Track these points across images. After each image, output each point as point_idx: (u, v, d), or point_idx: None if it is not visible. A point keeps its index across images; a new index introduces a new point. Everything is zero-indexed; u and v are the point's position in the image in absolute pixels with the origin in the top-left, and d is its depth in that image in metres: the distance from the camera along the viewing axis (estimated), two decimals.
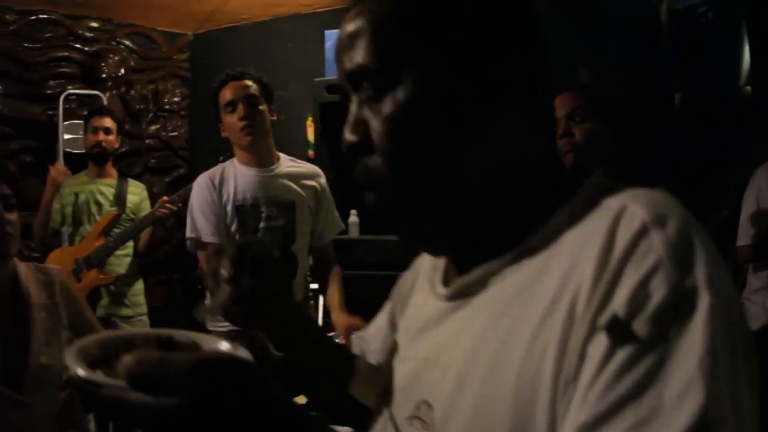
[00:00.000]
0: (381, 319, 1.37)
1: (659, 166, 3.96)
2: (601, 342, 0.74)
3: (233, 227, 3.53)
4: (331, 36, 5.12)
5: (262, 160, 3.61)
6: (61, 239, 5.12)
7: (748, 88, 4.61)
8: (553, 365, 0.78)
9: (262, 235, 3.52)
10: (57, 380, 2.35)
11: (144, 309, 5.11)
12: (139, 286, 5.11)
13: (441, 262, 1.11)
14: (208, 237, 3.48)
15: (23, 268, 2.42)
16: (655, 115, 4.55)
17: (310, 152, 5.52)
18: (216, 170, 3.64)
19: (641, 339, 0.72)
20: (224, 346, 0.92)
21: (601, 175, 0.95)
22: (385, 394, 1.13)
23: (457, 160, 0.92)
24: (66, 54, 6.14)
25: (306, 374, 1.42)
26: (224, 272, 1.07)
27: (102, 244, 4.84)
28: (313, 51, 5.46)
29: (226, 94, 3.51)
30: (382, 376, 1.25)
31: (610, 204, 0.85)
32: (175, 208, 4.74)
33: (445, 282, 1.07)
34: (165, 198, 4.80)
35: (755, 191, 3.93)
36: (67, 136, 5.72)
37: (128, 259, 5.00)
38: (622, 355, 0.72)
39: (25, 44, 5.92)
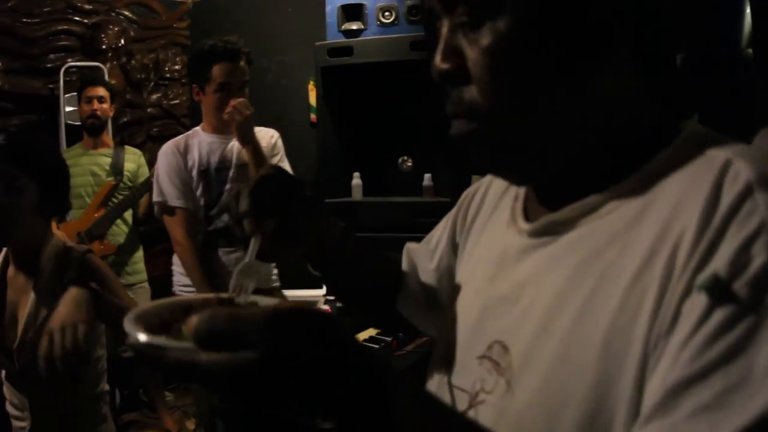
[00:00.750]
0: (439, 237, 1.33)
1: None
2: (699, 301, 0.72)
3: (199, 192, 3.65)
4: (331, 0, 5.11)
5: (226, 129, 3.70)
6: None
7: (750, 50, 4.60)
8: (649, 317, 0.76)
9: (226, 197, 3.63)
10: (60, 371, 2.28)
11: (144, 276, 5.15)
12: (139, 254, 5.16)
13: (521, 193, 1.08)
14: (174, 201, 3.61)
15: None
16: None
17: (313, 116, 5.50)
18: (180, 139, 3.78)
19: (740, 302, 0.70)
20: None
21: (698, 123, 0.92)
22: (450, 326, 1.10)
23: (557, 99, 0.88)
24: (65, 27, 6.11)
25: (347, 291, 1.41)
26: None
27: (102, 215, 4.88)
28: (314, 15, 5.40)
29: (221, 73, 3.57)
30: (439, 302, 1.27)
31: (714, 156, 0.82)
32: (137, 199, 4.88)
33: (527, 216, 1.03)
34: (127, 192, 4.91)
35: None
36: (68, 109, 5.72)
37: (127, 228, 5.04)
38: (719, 316, 0.71)
39: (24, 19, 5.89)
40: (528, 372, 0.88)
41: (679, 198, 0.80)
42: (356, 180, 4.93)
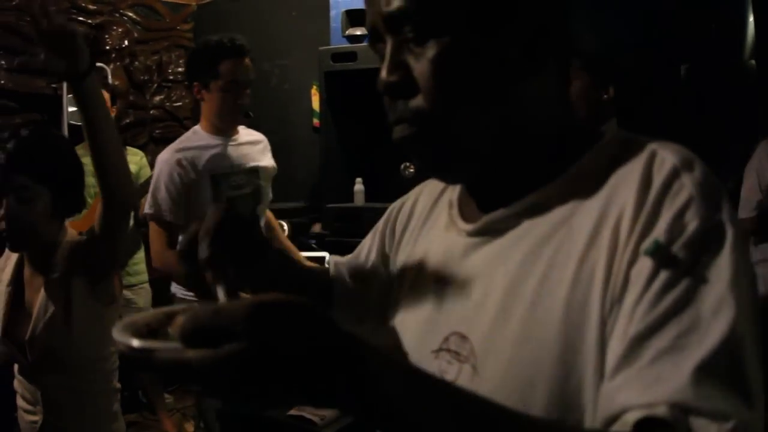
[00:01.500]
0: (368, 250, 1.37)
1: (663, 136, 4.00)
2: (644, 265, 0.84)
3: (207, 197, 3.55)
4: (336, 4, 5.11)
5: (229, 131, 3.66)
6: None
7: (753, 61, 4.63)
8: (601, 287, 0.87)
9: (235, 201, 3.59)
10: (66, 359, 2.38)
11: (145, 277, 5.14)
12: (140, 254, 5.14)
13: (455, 199, 1.16)
14: (168, 215, 3.49)
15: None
16: (661, 86, 4.58)
17: (315, 121, 5.50)
18: (182, 142, 3.64)
19: (680, 262, 0.83)
20: None
21: (617, 128, 1.04)
22: (396, 330, 1.17)
23: (492, 102, 0.97)
24: None
25: None
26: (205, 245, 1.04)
27: None
28: (318, 19, 5.41)
29: (230, 71, 3.49)
30: (370, 312, 1.32)
31: (639, 149, 0.95)
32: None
33: (464, 219, 1.11)
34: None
35: (756, 165, 3.98)
36: (71, 109, 5.68)
37: (128, 228, 4.98)
38: (664, 276, 0.83)
39: (29, 18, 5.79)
40: (492, 354, 0.96)
41: (613, 185, 0.93)
42: (358, 186, 4.92)
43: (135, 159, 5.15)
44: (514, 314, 0.94)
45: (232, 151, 3.65)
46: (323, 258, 4.29)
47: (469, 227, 1.08)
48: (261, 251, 1.19)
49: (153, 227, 3.56)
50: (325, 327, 0.70)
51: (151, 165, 5.10)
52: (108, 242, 2.37)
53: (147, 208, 3.55)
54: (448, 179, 1.13)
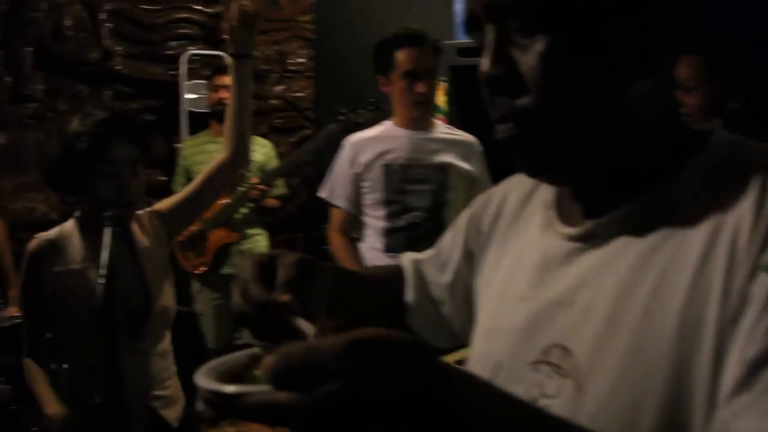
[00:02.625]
0: (450, 248, 1.30)
1: None
2: (764, 281, 0.77)
3: (380, 186, 3.49)
4: None
5: (419, 124, 3.55)
6: None
7: None
8: (718, 303, 0.79)
9: (409, 196, 3.48)
10: (169, 322, 2.62)
11: None
12: (263, 243, 5.12)
13: (551, 200, 1.08)
14: (337, 200, 3.57)
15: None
16: None
17: (439, 116, 5.49)
18: (366, 132, 3.65)
19: None
20: None
21: (724, 131, 0.95)
22: (488, 336, 1.09)
23: (605, 104, 0.91)
24: (186, 15, 6.22)
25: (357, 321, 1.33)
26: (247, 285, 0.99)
27: (227, 203, 4.84)
28: (442, 13, 5.36)
29: (406, 60, 3.39)
30: (453, 314, 1.27)
31: (754, 155, 0.88)
32: (265, 189, 4.79)
33: (566, 221, 1.03)
34: (255, 180, 4.83)
35: None
36: (189, 96, 5.80)
37: (253, 217, 5.00)
38: None
39: (144, 6, 6.02)
40: (599, 370, 0.88)
41: (727, 194, 0.85)
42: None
43: (264, 150, 5.12)
44: (623, 326, 0.87)
45: (416, 143, 3.54)
46: None
47: (570, 231, 1.00)
48: (318, 279, 1.11)
49: (330, 209, 3.64)
50: (424, 364, 0.65)
51: (280, 156, 5.18)
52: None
53: (321, 190, 3.64)
54: (553, 181, 1.04)
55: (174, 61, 5.98)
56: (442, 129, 3.66)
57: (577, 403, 0.89)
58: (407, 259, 1.37)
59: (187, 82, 5.85)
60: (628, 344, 0.86)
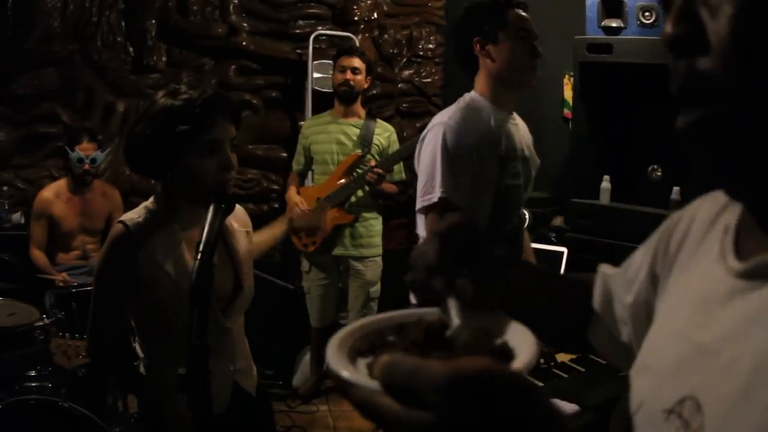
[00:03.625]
0: (638, 267, 1.13)
1: None
2: None
3: (493, 179, 2.99)
4: None
5: (511, 106, 3.11)
6: (305, 179, 5.23)
7: None
8: None
9: (513, 192, 3.07)
10: (250, 301, 2.59)
11: (379, 251, 5.08)
12: (377, 227, 5.08)
13: (732, 224, 0.89)
14: (455, 198, 2.92)
15: None
16: None
17: (566, 111, 5.32)
18: (477, 112, 3.02)
19: None
20: (519, 333, 0.82)
21: None
22: (641, 369, 0.96)
23: None
24: None
25: (538, 327, 1.26)
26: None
27: (344, 184, 4.85)
28: (573, 8, 5.21)
29: (520, 18, 3.01)
30: (631, 337, 1.13)
31: None
32: (383, 173, 4.70)
33: (738, 252, 0.85)
34: (374, 163, 4.78)
35: None
36: (316, 75, 5.81)
37: (369, 201, 4.97)
38: None
39: None
40: None
41: None
42: (605, 183, 4.70)
43: (385, 133, 5.06)
44: (757, 399, 0.71)
45: (512, 130, 3.08)
46: (561, 253, 4.14)
47: (738, 265, 0.82)
48: (500, 267, 1.10)
49: (430, 217, 3.06)
50: (529, 407, 0.63)
51: (401, 139, 5.14)
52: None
53: (437, 190, 3.00)
54: (736, 190, 0.83)
55: (302, 40, 6.02)
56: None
57: None
58: (601, 272, 1.25)
59: (314, 62, 5.86)
60: (757, 422, 0.71)
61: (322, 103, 5.44)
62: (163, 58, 5.94)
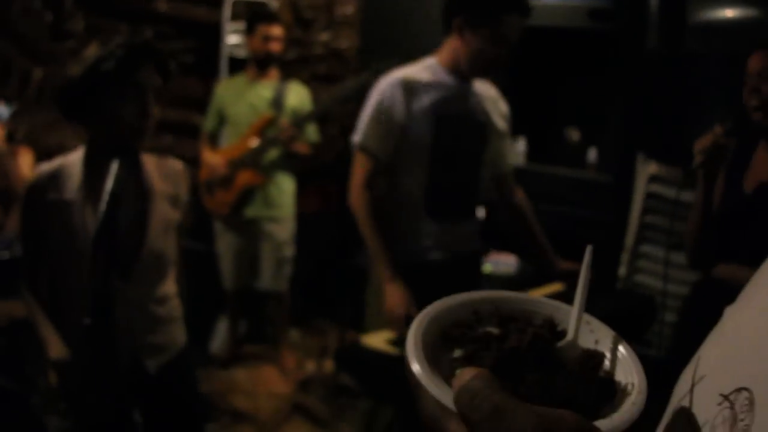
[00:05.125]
0: None
1: None
2: None
3: (428, 138, 3.12)
4: None
5: (465, 73, 3.16)
6: (218, 141, 5.14)
7: None
8: None
9: (455, 152, 3.19)
10: (164, 270, 2.53)
11: (291, 212, 5.03)
12: (289, 189, 5.02)
13: None
14: (373, 147, 3.11)
15: (146, 159, 2.50)
16: None
17: None
18: (411, 71, 3.15)
19: None
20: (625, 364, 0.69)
21: None
22: (720, 340, 0.83)
23: None
24: None
25: None
26: None
27: (255, 146, 4.77)
28: None
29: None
30: None
31: None
32: (295, 133, 4.66)
33: None
34: (286, 122, 4.70)
35: None
36: (231, 40, 5.71)
37: (281, 162, 4.89)
38: None
39: None
40: None
41: None
42: (521, 144, 4.71)
43: (299, 95, 4.97)
44: None
45: (465, 95, 3.20)
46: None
47: None
48: None
49: (358, 158, 3.19)
50: None
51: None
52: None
53: (356, 135, 3.18)
54: None
55: (218, 4, 5.87)
56: (478, 82, 3.29)
57: None
58: None
59: (229, 26, 5.76)
60: None
61: (238, 68, 5.33)
62: (81, 24, 5.74)
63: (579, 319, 0.71)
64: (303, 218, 5.20)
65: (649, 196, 4.11)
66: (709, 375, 0.76)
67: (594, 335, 0.72)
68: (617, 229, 4.38)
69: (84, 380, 2.31)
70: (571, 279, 3.18)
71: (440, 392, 0.58)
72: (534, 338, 0.66)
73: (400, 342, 2.69)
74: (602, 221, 4.46)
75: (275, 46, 4.84)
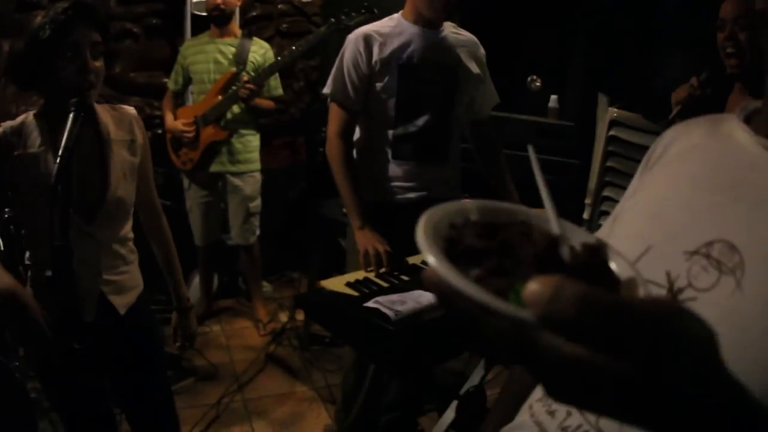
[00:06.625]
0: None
1: None
2: None
3: (393, 85, 3.19)
4: None
5: (432, 21, 3.22)
6: (184, 99, 5.10)
7: None
8: None
9: (422, 97, 3.22)
10: (126, 213, 2.56)
11: (257, 166, 5.00)
12: (255, 143, 4.98)
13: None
14: (343, 98, 3.21)
15: (100, 109, 2.51)
16: None
17: None
18: (375, 26, 3.25)
19: None
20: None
21: None
22: (645, 216, 1.03)
23: None
24: None
25: None
26: None
27: (219, 101, 4.73)
28: None
29: None
30: None
31: None
32: (255, 88, 4.61)
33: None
34: (246, 78, 4.66)
35: None
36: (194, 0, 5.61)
37: (245, 117, 4.86)
38: None
39: None
40: (765, 274, 0.82)
41: None
42: None
43: (260, 51, 4.93)
44: None
45: (430, 41, 3.23)
46: None
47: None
48: None
49: (332, 108, 3.28)
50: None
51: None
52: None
53: (326, 87, 3.28)
54: None
55: None
56: (450, 28, 3.32)
57: (731, 301, 0.84)
58: None
59: None
60: None
61: (202, 28, 5.23)
62: None
63: (557, 217, 0.69)
64: (271, 172, 5.18)
65: (611, 140, 4.11)
66: (653, 245, 0.94)
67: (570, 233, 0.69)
68: (580, 175, 4.39)
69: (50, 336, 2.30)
70: None
71: (516, 309, 0.52)
72: (550, 242, 0.62)
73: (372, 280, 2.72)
74: (565, 165, 4.48)
75: (224, 1, 4.79)
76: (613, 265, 0.64)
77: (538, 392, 1.02)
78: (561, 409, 0.96)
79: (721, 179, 0.95)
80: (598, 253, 0.63)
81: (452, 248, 0.61)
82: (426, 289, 0.57)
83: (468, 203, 0.70)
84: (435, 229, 0.63)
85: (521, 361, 0.54)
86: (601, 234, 1.16)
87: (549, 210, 0.69)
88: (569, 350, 0.50)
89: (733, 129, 1.02)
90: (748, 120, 1.03)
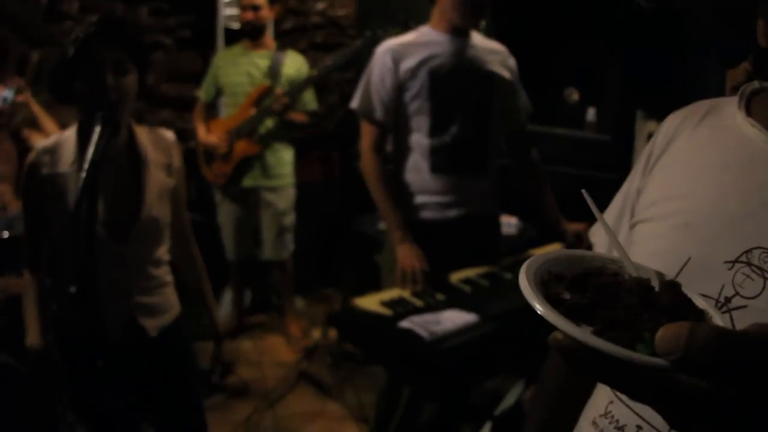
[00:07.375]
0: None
1: None
2: None
3: (425, 93, 3.15)
4: None
5: (461, 29, 3.17)
6: (216, 111, 5.07)
7: None
8: None
9: (455, 107, 3.17)
10: (161, 234, 2.55)
11: (290, 180, 4.96)
12: (288, 157, 4.95)
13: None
14: (374, 113, 3.17)
15: (139, 130, 2.51)
16: None
17: None
18: (403, 38, 3.22)
19: None
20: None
21: None
22: (677, 234, 1.01)
23: None
24: None
25: None
26: None
27: (252, 115, 4.70)
28: None
29: None
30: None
31: None
32: (289, 102, 4.58)
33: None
34: (280, 91, 4.62)
35: None
36: (226, 12, 5.62)
37: (278, 131, 4.82)
38: None
39: None
40: None
41: None
42: None
43: (295, 64, 4.88)
44: None
45: (460, 49, 3.18)
46: None
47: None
48: None
49: (362, 124, 3.24)
50: None
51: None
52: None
53: (353, 102, 3.27)
54: None
55: None
56: (478, 37, 3.27)
57: None
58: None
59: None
60: None
61: (234, 40, 5.25)
62: (76, 5, 5.65)
63: (629, 259, 0.74)
64: (305, 187, 5.15)
65: None
66: (693, 257, 0.95)
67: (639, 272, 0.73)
68: (618, 188, 4.29)
69: (65, 361, 2.43)
70: (573, 239, 3.23)
71: (648, 358, 0.56)
72: (641, 289, 0.65)
73: (412, 298, 2.71)
74: (603, 180, 4.38)
75: (257, 14, 4.76)
76: (694, 298, 0.68)
77: (598, 407, 1.04)
78: (630, 424, 0.97)
79: (743, 185, 0.95)
80: (679, 289, 0.67)
81: (558, 306, 0.63)
82: (554, 351, 0.60)
83: (539, 258, 0.71)
84: (536, 290, 0.65)
85: (655, 401, 0.59)
86: (613, 225, 1.26)
87: (621, 254, 0.75)
88: (707, 387, 0.54)
89: (739, 123, 1.02)
90: (748, 103, 1.03)
